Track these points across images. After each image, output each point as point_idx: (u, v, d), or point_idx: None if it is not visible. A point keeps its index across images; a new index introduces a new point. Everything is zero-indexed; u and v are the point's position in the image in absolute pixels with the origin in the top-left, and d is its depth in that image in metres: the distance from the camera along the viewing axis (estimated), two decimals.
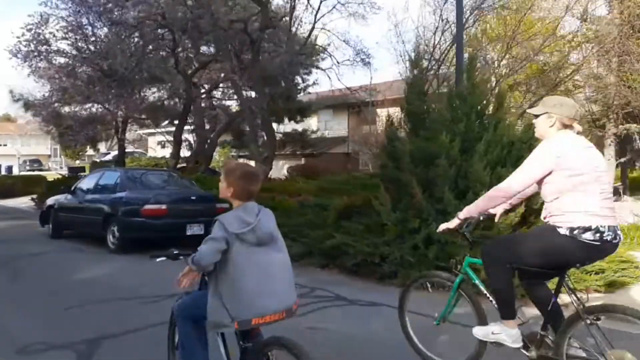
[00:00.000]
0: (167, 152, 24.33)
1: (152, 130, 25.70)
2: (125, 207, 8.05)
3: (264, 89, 14.53)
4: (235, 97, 17.57)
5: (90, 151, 62.16)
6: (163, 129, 24.49)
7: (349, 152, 23.28)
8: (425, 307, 3.43)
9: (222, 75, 16.72)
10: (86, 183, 9.51)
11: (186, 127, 18.17)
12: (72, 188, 9.64)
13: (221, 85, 18.83)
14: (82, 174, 16.84)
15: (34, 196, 17.21)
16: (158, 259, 2.59)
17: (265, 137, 15.21)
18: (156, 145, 32.49)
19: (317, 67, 17.45)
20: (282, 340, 2.28)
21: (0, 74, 42.57)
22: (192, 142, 21.21)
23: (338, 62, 15.96)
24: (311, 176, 15.70)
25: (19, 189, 20.94)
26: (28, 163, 62.05)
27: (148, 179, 9.08)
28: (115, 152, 34.31)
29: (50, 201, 10.17)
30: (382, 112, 15.33)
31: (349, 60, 16.06)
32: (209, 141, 18.26)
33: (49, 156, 69.88)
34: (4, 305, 5.09)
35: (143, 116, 18.07)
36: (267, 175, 13.97)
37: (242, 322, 2.27)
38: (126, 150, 22.34)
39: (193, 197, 8.60)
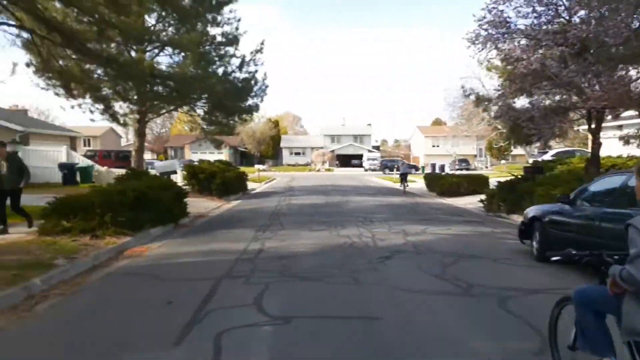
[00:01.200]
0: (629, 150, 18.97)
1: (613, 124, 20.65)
2: None
3: None
4: None
5: (518, 150, 60.72)
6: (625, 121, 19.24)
7: None
8: None
9: None
10: (597, 191, 6.48)
11: None
12: (571, 197, 6.83)
13: None
14: (538, 175, 14.08)
15: (482, 197, 15.90)
16: (553, 258, 2.89)
17: None
18: (613, 140, 26.64)
19: None
20: None
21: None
22: None
23: None
24: None
25: (464, 188, 20.58)
26: (457, 162, 67.39)
27: None
28: (555, 151, 31.29)
29: (533, 211, 7.75)
30: None
31: None
32: None
33: (475, 156, 74.01)
34: None
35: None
36: None
37: None
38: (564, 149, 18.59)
39: None
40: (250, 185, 29.91)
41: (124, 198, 9.93)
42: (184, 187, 20.07)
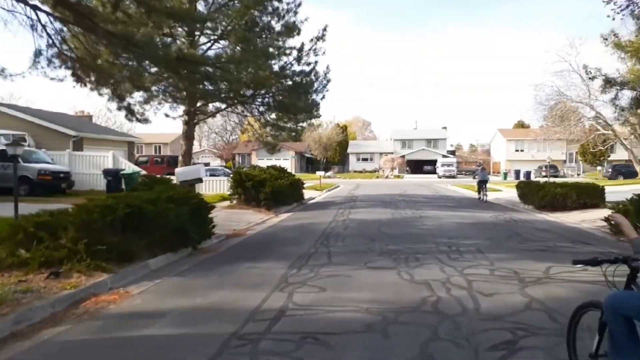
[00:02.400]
0: None
1: None
2: None
3: None
4: None
5: (616, 154, 53.11)
6: None
7: None
8: None
9: None
10: None
11: None
12: None
13: None
14: None
15: (604, 213, 11.63)
16: (578, 265, 2.85)
17: None
18: None
19: None
20: None
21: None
22: None
23: None
24: None
25: (572, 200, 16.19)
26: (544, 169, 60.52)
27: None
28: None
29: None
30: None
31: None
32: None
33: (564, 161, 66.35)
34: None
35: None
36: None
37: None
38: None
39: None
40: (309, 193, 27.00)
41: (111, 217, 7.18)
42: (231, 197, 17.76)
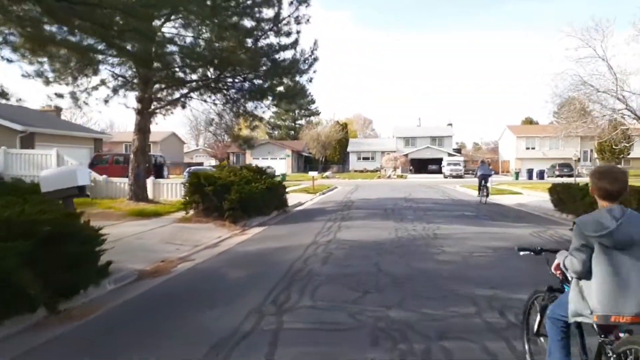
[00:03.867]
0: None
1: None
2: None
3: None
4: None
5: (636, 152, 48.76)
6: None
7: None
8: None
9: None
10: None
11: None
12: None
13: None
14: None
15: None
16: (522, 252, 3.43)
17: None
18: None
19: None
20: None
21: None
22: None
23: None
24: None
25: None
26: (557, 168, 56.41)
27: None
28: None
29: None
30: None
31: None
32: None
33: (578, 160, 62.14)
34: None
35: None
36: None
37: (600, 316, 2.53)
38: None
39: None
40: (299, 197, 23.12)
41: None
42: (186, 207, 13.69)
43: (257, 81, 14.93)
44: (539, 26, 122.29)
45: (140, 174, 16.18)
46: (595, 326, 2.63)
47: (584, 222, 2.62)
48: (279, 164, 66.70)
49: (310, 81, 16.69)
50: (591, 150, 61.14)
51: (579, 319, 2.71)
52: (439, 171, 57.13)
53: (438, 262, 7.57)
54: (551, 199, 16.47)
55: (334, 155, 72.36)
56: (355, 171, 66.46)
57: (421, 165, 63.51)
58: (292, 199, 21.73)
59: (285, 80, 15.43)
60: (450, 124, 72.80)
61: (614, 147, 44.72)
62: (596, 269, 2.58)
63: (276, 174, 56.72)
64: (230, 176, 14.27)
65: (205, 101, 15.95)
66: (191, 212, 13.46)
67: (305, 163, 74.33)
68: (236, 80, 15.18)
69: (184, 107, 17.93)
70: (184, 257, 8.58)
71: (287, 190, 17.30)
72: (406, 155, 62.50)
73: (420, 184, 39.10)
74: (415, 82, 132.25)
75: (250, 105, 15.72)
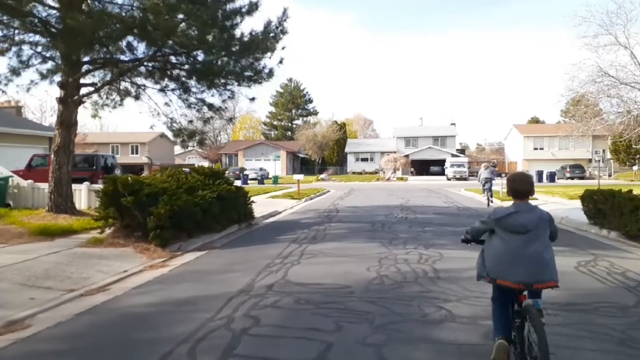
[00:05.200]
0: None
1: None
2: None
3: None
4: None
5: None
6: None
7: None
8: None
9: None
10: None
11: None
12: None
13: None
14: None
15: None
16: (466, 242, 3.85)
17: None
18: None
19: None
20: (530, 310, 3.19)
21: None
22: None
23: None
24: None
25: None
26: (568, 169, 52.74)
27: None
28: None
29: None
30: None
31: None
32: None
33: (589, 160, 58.41)
34: None
35: None
36: None
37: (492, 279, 3.40)
38: None
39: None
40: (281, 204, 19.82)
41: None
42: (102, 225, 10.12)
43: (209, 59, 11.50)
44: (545, 25, 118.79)
45: (63, 179, 12.78)
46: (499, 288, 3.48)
47: (496, 210, 3.55)
48: (273, 165, 63.25)
49: (281, 63, 13.31)
50: (603, 151, 57.39)
51: (481, 280, 3.56)
52: (442, 173, 53.63)
53: (439, 349, 4.08)
54: (584, 209, 12.96)
55: (331, 156, 68.92)
56: (354, 173, 62.98)
57: (423, 167, 60.01)
58: (269, 206, 18.32)
59: (244, 62, 12.01)
60: (454, 124, 69.26)
61: (634, 145, 41.03)
62: (495, 243, 3.45)
63: (269, 176, 53.46)
64: (167, 182, 10.84)
65: (141, 87, 12.46)
66: (108, 230, 10.02)
67: (301, 164, 70.91)
68: (182, 60, 11.75)
69: (137, 97, 14.56)
70: (17, 320, 5.15)
71: (251, 199, 13.84)
72: (407, 156, 58.99)
73: (421, 187, 35.62)
74: (417, 82, 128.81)
75: (197, 89, 12.26)
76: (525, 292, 3.31)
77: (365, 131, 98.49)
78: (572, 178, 49.39)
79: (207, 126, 13.11)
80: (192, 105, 12.80)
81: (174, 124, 12.86)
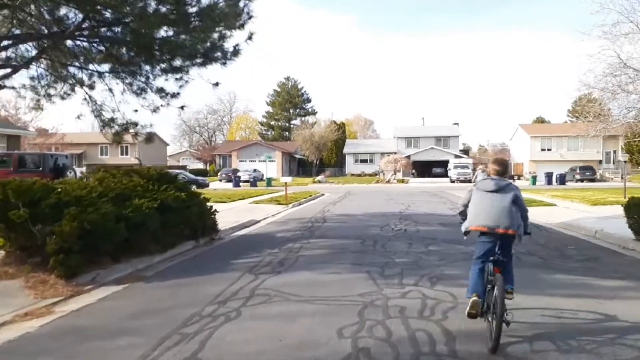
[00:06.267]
0: None
1: None
2: None
3: None
4: None
5: None
6: None
7: None
8: None
9: None
10: None
11: None
12: None
13: None
14: None
15: None
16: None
17: None
18: None
19: None
20: (499, 281, 4.16)
21: None
22: None
23: None
24: None
25: None
26: (578, 171, 50.01)
27: None
28: None
29: None
30: None
31: None
32: None
33: (599, 162, 55.76)
34: None
35: None
36: None
37: (472, 227, 4.48)
38: None
39: None
40: (264, 210, 17.31)
41: None
42: None
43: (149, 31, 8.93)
44: (546, 26, 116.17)
45: None
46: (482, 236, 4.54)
47: (477, 180, 4.91)
48: (268, 166, 60.61)
49: (249, 40, 10.71)
50: (614, 152, 54.63)
51: (465, 229, 4.61)
52: (445, 174, 50.96)
53: None
54: (629, 222, 10.29)
55: (330, 157, 66.27)
56: (352, 175, 60.34)
57: (424, 168, 57.33)
58: (247, 214, 15.74)
59: (197, 35, 9.40)
60: (457, 123, 66.58)
61: None
62: (474, 201, 4.56)
63: (263, 178, 50.65)
64: (87, 187, 8.21)
65: (72, 65, 9.85)
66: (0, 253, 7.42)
67: (298, 166, 68.25)
68: (114, 30, 9.17)
69: (91, 87, 11.96)
70: None
71: (214, 208, 11.21)
72: (408, 157, 56.30)
73: (423, 190, 32.97)
74: (418, 83, 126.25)
75: (144, 71, 9.66)
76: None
77: (366, 132, 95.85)
78: (582, 180, 46.62)
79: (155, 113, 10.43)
80: (138, 92, 10.19)
81: (103, 112, 10.23)
